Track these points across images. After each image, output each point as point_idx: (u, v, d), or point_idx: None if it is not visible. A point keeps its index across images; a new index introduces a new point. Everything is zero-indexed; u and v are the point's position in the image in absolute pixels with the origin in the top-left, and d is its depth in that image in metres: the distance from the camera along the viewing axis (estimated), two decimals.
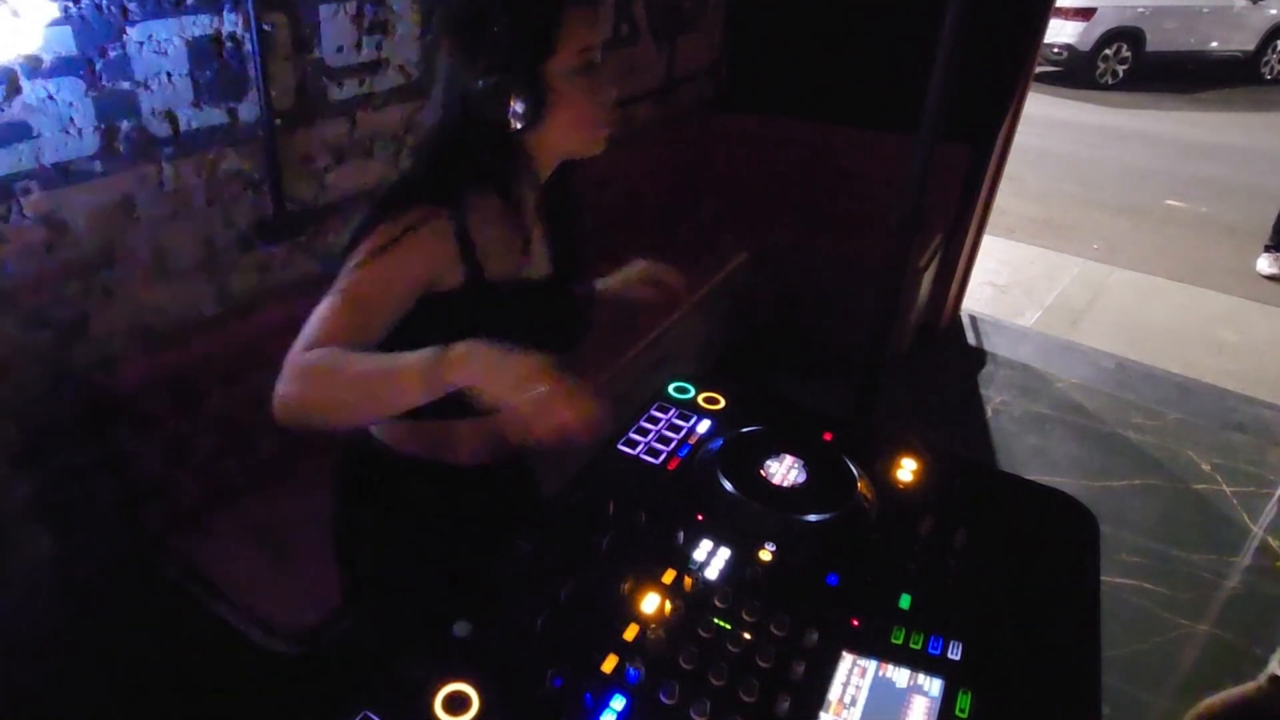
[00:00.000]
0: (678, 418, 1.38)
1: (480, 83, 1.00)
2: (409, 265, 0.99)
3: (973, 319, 4.06)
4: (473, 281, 1.04)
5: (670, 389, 1.46)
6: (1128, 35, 9.21)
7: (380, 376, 0.91)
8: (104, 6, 1.55)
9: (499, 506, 1.25)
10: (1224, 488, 2.91)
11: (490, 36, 0.98)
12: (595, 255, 1.30)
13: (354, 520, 1.26)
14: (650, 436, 1.32)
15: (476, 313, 1.03)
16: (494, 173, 1.05)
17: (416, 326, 0.99)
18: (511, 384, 0.86)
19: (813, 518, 1.14)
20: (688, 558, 1.08)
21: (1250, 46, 9.92)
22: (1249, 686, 1.63)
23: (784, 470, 1.21)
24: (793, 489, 1.19)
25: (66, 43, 1.51)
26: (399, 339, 0.96)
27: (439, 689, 0.88)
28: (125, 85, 1.62)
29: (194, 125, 1.76)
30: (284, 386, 0.92)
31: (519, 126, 1.02)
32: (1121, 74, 9.34)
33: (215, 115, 1.80)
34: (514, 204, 1.07)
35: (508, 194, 1.06)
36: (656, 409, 1.40)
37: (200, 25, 1.71)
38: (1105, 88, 9.20)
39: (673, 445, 1.31)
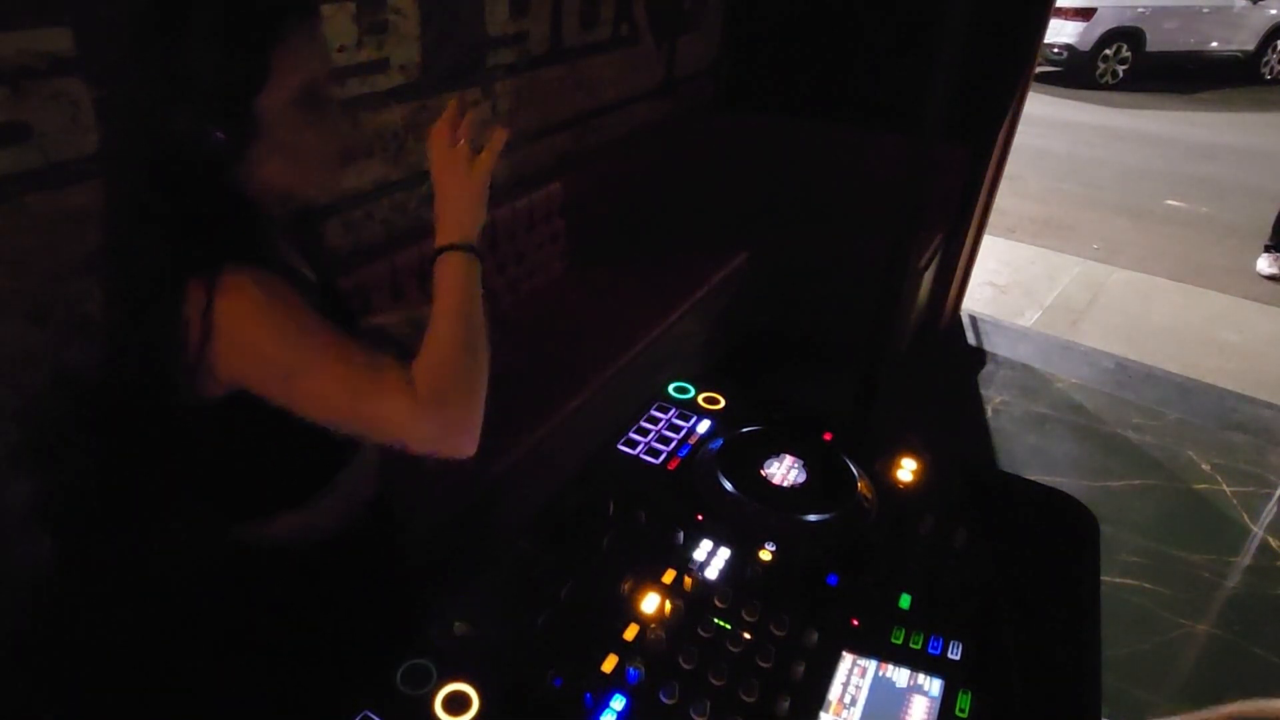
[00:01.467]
0: (678, 418, 1.38)
1: (174, 115, 0.85)
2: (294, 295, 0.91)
3: (973, 319, 4.06)
4: (314, 293, 0.99)
5: (670, 389, 1.46)
6: (1128, 35, 9.21)
7: (472, 310, 0.94)
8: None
9: (368, 562, 1.19)
10: (1224, 488, 2.91)
11: (191, 58, 0.84)
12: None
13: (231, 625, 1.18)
14: (650, 436, 1.33)
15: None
16: (233, 232, 0.91)
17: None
18: (481, 192, 0.97)
19: (813, 518, 1.14)
20: (688, 558, 1.08)
21: (1250, 46, 9.92)
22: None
23: (784, 470, 1.21)
24: (793, 489, 1.19)
25: (67, 42, 1.51)
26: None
27: (439, 689, 0.88)
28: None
29: None
30: (450, 426, 0.89)
31: (220, 165, 0.89)
32: (1121, 74, 9.34)
33: None
34: (260, 252, 0.94)
35: (254, 247, 0.94)
36: (656, 409, 1.40)
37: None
38: (1105, 88, 9.20)
39: (673, 445, 1.31)
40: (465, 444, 0.91)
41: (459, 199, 0.96)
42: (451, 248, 0.95)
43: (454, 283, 0.94)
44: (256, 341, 0.87)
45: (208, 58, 0.84)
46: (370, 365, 0.89)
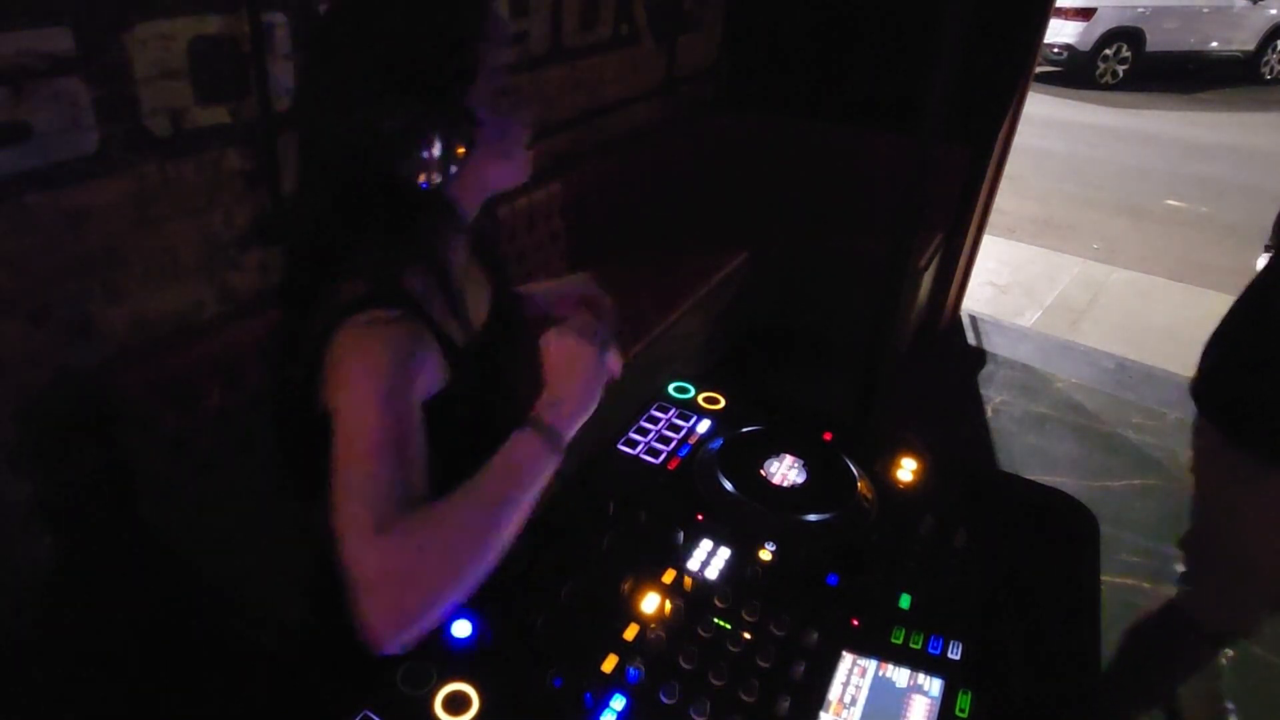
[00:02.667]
0: (678, 418, 1.38)
1: (387, 124, 0.79)
2: (412, 390, 0.82)
3: (973, 319, 4.06)
4: (458, 368, 0.90)
5: (670, 389, 1.46)
6: (1128, 35, 9.22)
7: (526, 490, 0.81)
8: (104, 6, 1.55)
9: None
10: None
11: (402, 63, 0.79)
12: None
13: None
14: (650, 436, 1.32)
15: (466, 394, 0.92)
16: (423, 240, 0.87)
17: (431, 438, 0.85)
18: (597, 386, 0.89)
19: (813, 518, 1.14)
20: (688, 557, 1.08)
21: (1250, 46, 9.93)
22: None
23: (784, 470, 1.21)
24: (793, 489, 1.19)
25: (67, 42, 1.51)
26: None
27: (439, 689, 0.88)
28: (125, 85, 1.62)
29: (194, 125, 1.76)
30: (385, 596, 0.72)
31: (438, 178, 0.83)
32: (1121, 74, 9.34)
33: (215, 115, 1.80)
34: (444, 267, 0.90)
35: (437, 258, 0.89)
36: (656, 409, 1.40)
37: (200, 25, 1.71)
38: (1105, 88, 9.21)
39: (673, 445, 1.31)
40: (381, 634, 0.72)
41: (580, 382, 0.87)
42: (541, 426, 0.83)
43: (517, 463, 0.82)
44: (339, 399, 0.80)
45: (418, 57, 0.79)
46: (375, 489, 0.76)
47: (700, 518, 1.15)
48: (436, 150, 0.81)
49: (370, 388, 0.79)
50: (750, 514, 1.14)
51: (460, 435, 0.90)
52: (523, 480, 0.82)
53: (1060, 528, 1.22)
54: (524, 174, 0.95)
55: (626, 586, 1.02)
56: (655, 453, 1.29)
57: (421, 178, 0.82)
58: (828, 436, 1.35)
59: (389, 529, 0.73)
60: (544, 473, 0.85)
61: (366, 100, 0.79)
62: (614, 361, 0.92)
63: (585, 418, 0.89)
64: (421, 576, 0.74)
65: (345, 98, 0.81)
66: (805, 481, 1.20)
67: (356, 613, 0.72)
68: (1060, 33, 8.92)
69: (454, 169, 0.84)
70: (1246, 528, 1.61)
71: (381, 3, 0.81)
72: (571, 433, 0.88)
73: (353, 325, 0.81)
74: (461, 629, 0.95)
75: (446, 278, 0.90)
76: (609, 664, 0.92)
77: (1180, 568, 1.66)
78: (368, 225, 0.84)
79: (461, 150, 0.83)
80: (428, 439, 0.83)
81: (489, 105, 0.86)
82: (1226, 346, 1.61)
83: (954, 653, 0.97)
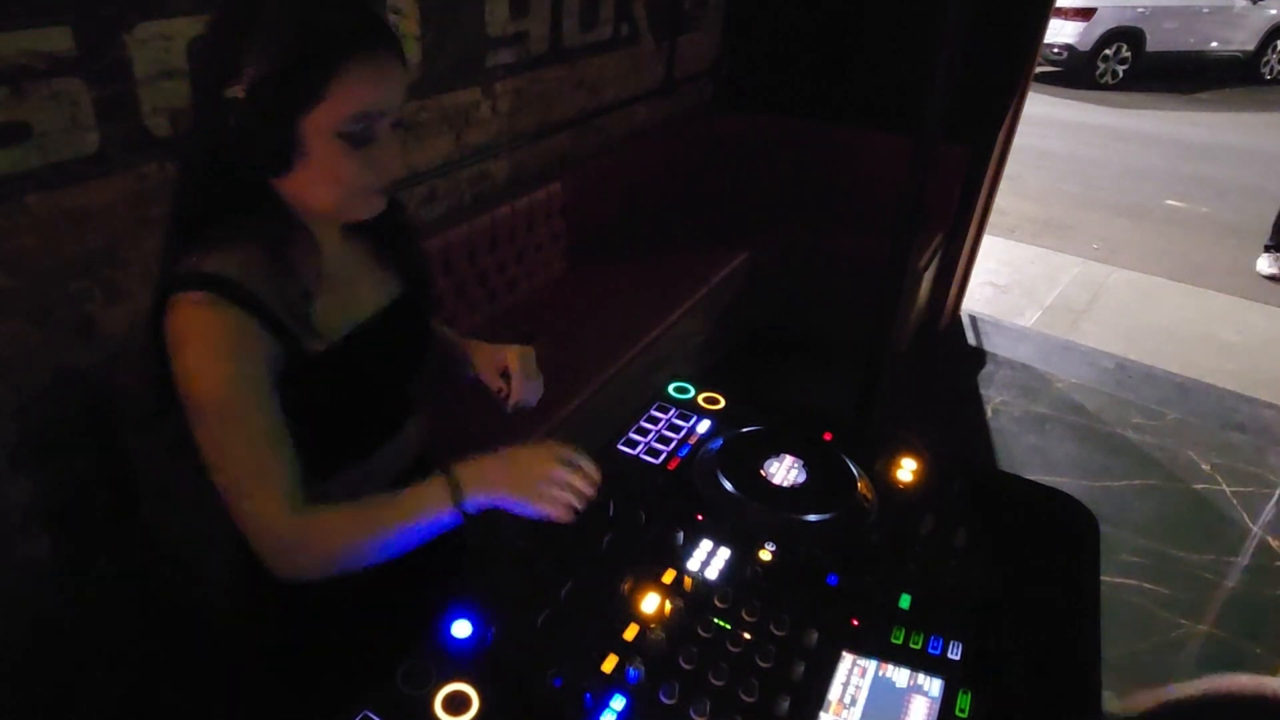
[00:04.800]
0: (678, 418, 1.38)
1: (225, 114, 0.85)
2: (241, 376, 0.89)
3: (973, 319, 4.06)
4: (295, 353, 0.93)
5: (670, 389, 1.46)
6: (1128, 35, 9.21)
7: (399, 528, 0.91)
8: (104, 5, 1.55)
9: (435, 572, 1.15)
10: (1224, 488, 2.91)
11: (251, 63, 0.84)
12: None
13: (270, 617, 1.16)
14: (650, 436, 1.33)
15: (319, 377, 0.96)
16: (260, 228, 0.92)
17: (299, 407, 0.94)
18: (533, 487, 0.93)
19: (813, 518, 1.14)
20: (688, 557, 1.08)
21: (1250, 46, 9.92)
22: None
23: (784, 470, 1.21)
24: (793, 489, 1.19)
25: (67, 42, 1.51)
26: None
27: (439, 689, 0.88)
28: (125, 85, 1.62)
29: None
30: (295, 561, 0.90)
31: (259, 173, 0.89)
32: (1121, 74, 9.34)
33: None
34: (286, 258, 0.93)
35: (273, 244, 0.93)
36: (656, 409, 1.40)
37: (200, 25, 1.71)
38: (1105, 88, 9.21)
39: (673, 445, 1.31)
40: (291, 574, 0.91)
41: (517, 479, 0.93)
42: (454, 485, 0.92)
43: (421, 506, 0.91)
44: (180, 370, 0.89)
45: (265, 67, 0.83)
46: (264, 464, 0.89)
47: (700, 518, 1.15)
48: (255, 152, 0.87)
49: (216, 368, 0.88)
50: (750, 514, 1.14)
51: (311, 415, 0.95)
52: (417, 524, 0.91)
53: (1060, 528, 1.22)
54: (356, 212, 0.96)
55: (626, 586, 1.02)
56: (655, 453, 1.29)
57: (250, 175, 0.90)
58: (828, 436, 1.35)
59: (288, 501, 0.89)
60: (440, 523, 0.92)
61: (219, 93, 0.85)
62: (561, 503, 0.94)
63: (497, 502, 0.93)
64: (326, 554, 0.91)
65: (207, 88, 0.87)
66: (805, 481, 1.20)
67: (266, 552, 0.89)
68: (1060, 33, 8.91)
69: (271, 173, 0.90)
70: None
71: (253, 16, 0.85)
72: (479, 502, 0.92)
73: (171, 301, 0.88)
74: (461, 629, 0.95)
75: (281, 272, 0.93)
76: (609, 664, 0.92)
77: None
78: (215, 208, 0.92)
79: (281, 160, 0.88)
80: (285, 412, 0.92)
81: (323, 137, 0.88)
82: None
83: (954, 653, 0.97)
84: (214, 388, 0.88)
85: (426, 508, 0.91)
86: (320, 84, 0.85)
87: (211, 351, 0.88)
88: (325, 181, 0.91)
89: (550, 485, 0.93)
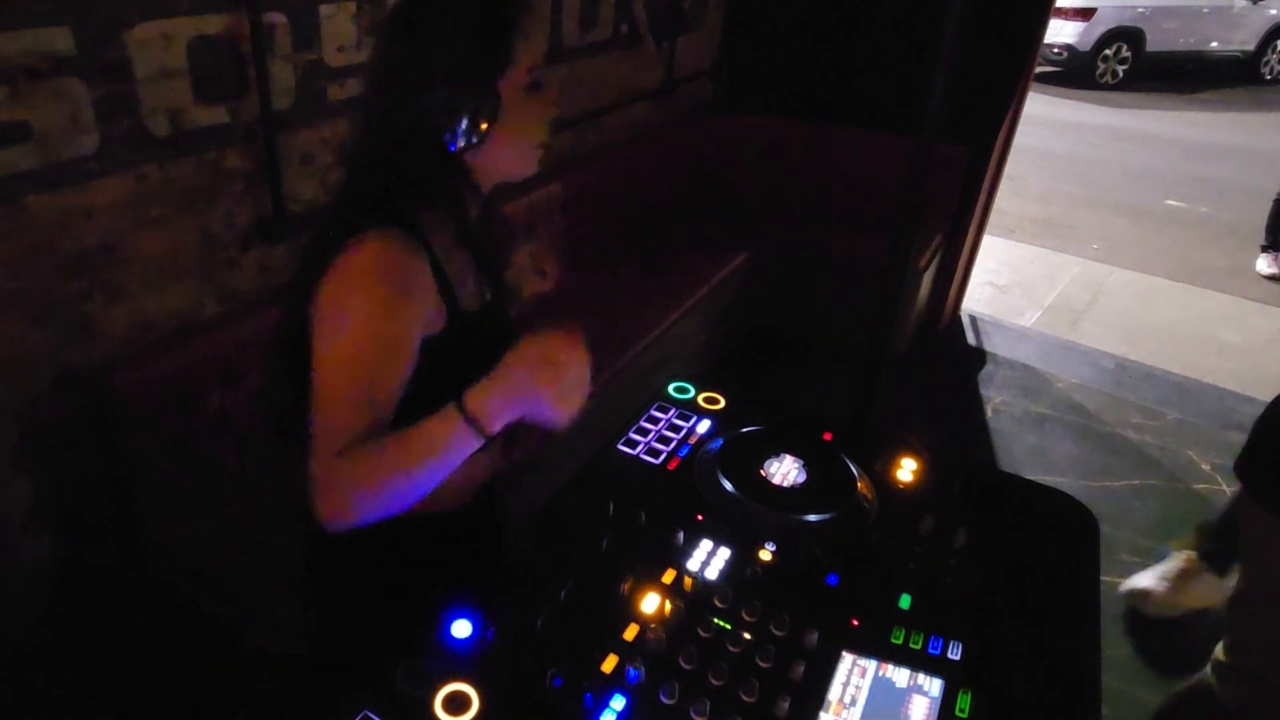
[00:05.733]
0: (678, 418, 1.38)
1: (430, 95, 0.93)
2: (406, 322, 0.93)
3: (973, 319, 4.06)
4: (454, 318, 0.99)
5: (670, 389, 1.46)
6: (1128, 35, 9.21)
7: (430, 462, 0.89)
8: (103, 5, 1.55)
9: (466, 554, 1.18)
10: (1224, 488, 2.91)
11: (449, 45, 0.92)
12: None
13: (325, 564, 1.19)
14: (650, 436, 1.33)
15: (459, 351, 0.99)
16: (446, 194, 0.99)
17: (416, 376, 0.95)
18: (544, 397, 0.90)
19: (813, 518, 1.14)
20: (688, 557, 1.08)
21: (1250, 46, 9.93)
22: (1196, 678, 1.64)
23: (784, 470, 1.21)
24: (793, 489, 1.19)
25: (67, 42, 1.51)
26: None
27: (439, 689, 0.88)
28: (125, 85, 1.62)
29: (194, 125, 1.76)
30: (330, 503, 0.89)
31: (464, 144, 0.96)
32: (1121, 74, 9.34)
33: (215, 115, 1.80)
34: (464, 218, 1.02)
35: (461, 217, 1.01)
36: (656, 409, 1.40)
37: (200, 25, 1.71)
38: (1105, 88, 9.21)
39: (673, 445, 1.31)
40: (335, 524, 0.90)
41: (522, 381, 0.90)
42: (463, 409, 0.89)
43: (436, 438, 0.89)
44: (327, 304, 0.91)
45: (461, 45, 0.92)
46: (343, 419, 0.89)
47: (700, 518, 1.15)
48: (461, 124, 0.94)
49: (363, 310, 0.91)
50: (750, 514, 1.14)
51: (444, 382, 0.94)
52: (440, 453, 0.90)
53: (1060, 528, 1.22)
54: (530, 167, 1.05)
55: (626, 586, 1.02)
56: (655, 453, 1.29)
57: (450, 143, 0.95)
58: (828, 436, 1.35)
59: (344, 453, 0.88)
60: (461, 449, 0.90)
61: (418, 77, 0.93)
62: (578, 387, 0.93)
63: (514, 416, 0.91)
64: (359, 498, 0.89)
65: (402, 74, 0.94)
66: (805, 481, 1.20)
67: (310, 501, 0.89)
68: (1060, 33, 8.91)
69: (475, 140, 0.95)
70: None
71: (435, 5, 0.94)
72: (495, 423, 0.90)
73: (355, 241, 0.91)
74: (461, 629, 0.95)
75: (465, 228, 1.01)
76: (609, 664, 0.92)
77: (1218, 653, 1.61)
78: (409, 177, 0.96)
79: (484, 125, 0.95)
80: (414, 372, 0.94)
81: (516, 94, 0.97)
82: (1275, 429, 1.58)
83: (954, 653, 0.97)
84: (377, 323, 0.90)
85: (453, 439, 0.89)
86: (511, 47, 0.94)
87: (391, 285, 0.91)
88: (520, 136, 1.00)
89: (556, 387, 0.90)
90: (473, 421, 0.89)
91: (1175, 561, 2.34)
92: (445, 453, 0.89)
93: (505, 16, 0.95)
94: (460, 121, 0.93)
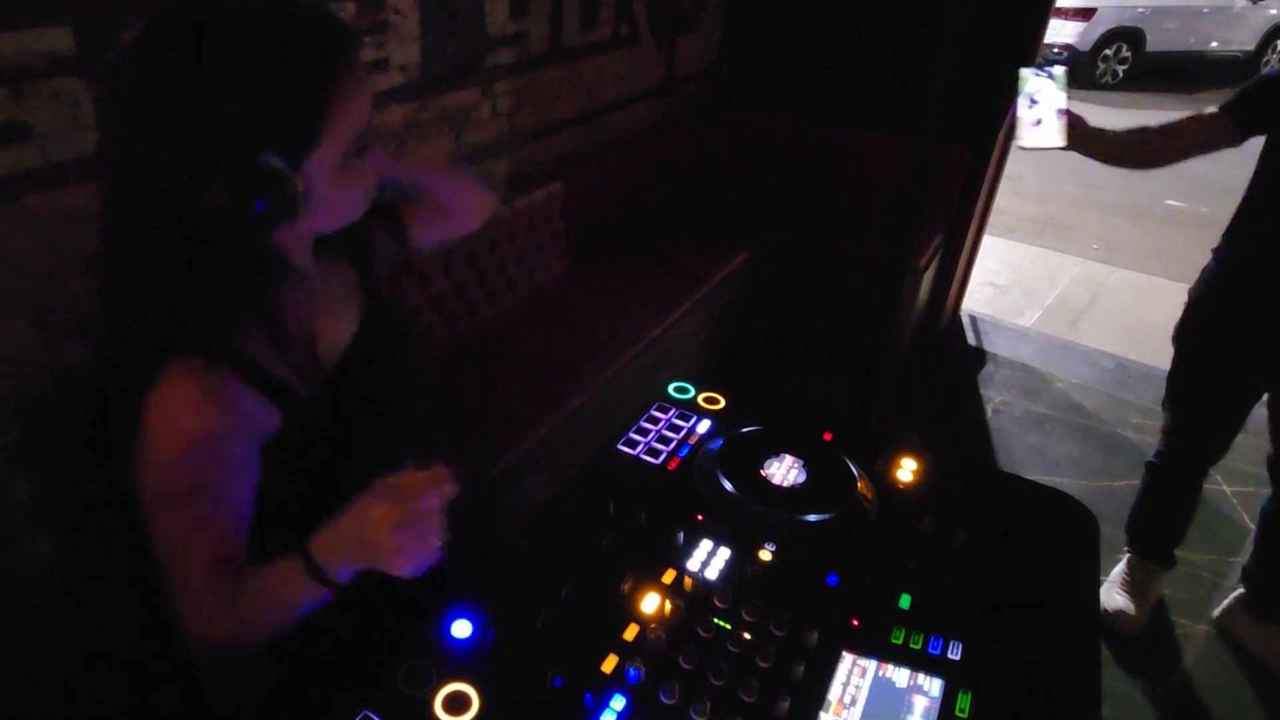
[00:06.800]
0: (678, 418, 1.38)
1: (207, 185, 0.77)
2: (231, 452, 0.85)
3: (973, 319, 4.06)
4: (289, 412, 0.89)
5: (670, 389, 1.46)
6: (1128, 35, 9.21)
7: (285, 609, 0.86)
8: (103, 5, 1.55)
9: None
10: (1224, 488, 2.91)
11: (227, 134, 0.74)
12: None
13: None
14: (650, 436, 1.32)
15: (315, 430, 0.92)
16: (243, 290, 0.85)
17: (271, 476, 0.89)
18: (385, 549, 0.80)
19: (813, 518, 1.14)
20: (688, 557, 1.08)
21: (1250, 46, 9.92)
22: None
23: (784, 470, 1.21)
24: (793, 489, 1.19)
25: (67, 42, 1.51)
26: (264, 500, 0.89)
27: (439, 689, 0.88)
28: None
29: None
30: (203, 648, 0.89)
31: (260, 241, 0.82)
32: (1121, 74, 9.34)
33: None
34: (270, 310, 0.88)
35: (264, 305, 0.87)
36: (656, 409, 1.40)
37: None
38: (1105, 88, 9.20)
39: (673, 445, 1.31)
40: (207, 656, 0.90)
41: (365, 534, 0.81)
42: (309, 558, 0.82)
43: (282, 585, 0.85)
44: (158, 440, 0.82)
45: (252, 124, 0.74)
46: (196, 559, 0.85)
47: (700, 518, 1.15)
48: (257, 221, 0.78)
49: (175, 470, 0.82)
50: (750, 514, 1.14)
51: (311, 471, 0.91)
52: (288, 601, 0.86)
53: (1060, 528, 1.22)
54: (348, 220, 0.91)
55: (626, 586, 1.02)
56: (655, 453, 1.29)
57: (243, 244, 0.81)
58: (828, 436, 1.35)
59: (202, 603, 0.86)
60: (307, 598, 0.85)
61: (183, 176, 0.77)
62: (425, 537, 0.81)
63: (359, 565, 0.83)
64: (227, 644, 0.88)
65: (160, 172, 0.78)
66: (805, 481, 1.20)
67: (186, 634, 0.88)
68: (1060, 33, 8.91)
69: (269, 229, 0.81)
70: None
71: (211, 65, 0.74)
72: (339, 572, 0.83)
73: (179, 369, 0.81)
74: (461, 629, 0.95)
75: (276, 328, 0.88)
76: (609, 664, 0.92)
77: None
78: (194, 290, 0.82)
79: (278, 216, 0.80)
80: (272, 476, 0.88)
81: (329, 173, 0.82)
82: None
83: (954, 653, 0.97)
84: (187, 469, 0.82)
85: (297, 589, 0.84)
86: (320, 123, 0.77)
87: (199, 417, 0.81)
88: (338, 208, 0.87)
89: (399, 538, 0.79)
90: (315, 570, 0.82)
91: (1130, 568, 2.37)
92: (294, 601, 0.85)
93: (311, 85, 0.75)
94: (251, 217, 0.77)
